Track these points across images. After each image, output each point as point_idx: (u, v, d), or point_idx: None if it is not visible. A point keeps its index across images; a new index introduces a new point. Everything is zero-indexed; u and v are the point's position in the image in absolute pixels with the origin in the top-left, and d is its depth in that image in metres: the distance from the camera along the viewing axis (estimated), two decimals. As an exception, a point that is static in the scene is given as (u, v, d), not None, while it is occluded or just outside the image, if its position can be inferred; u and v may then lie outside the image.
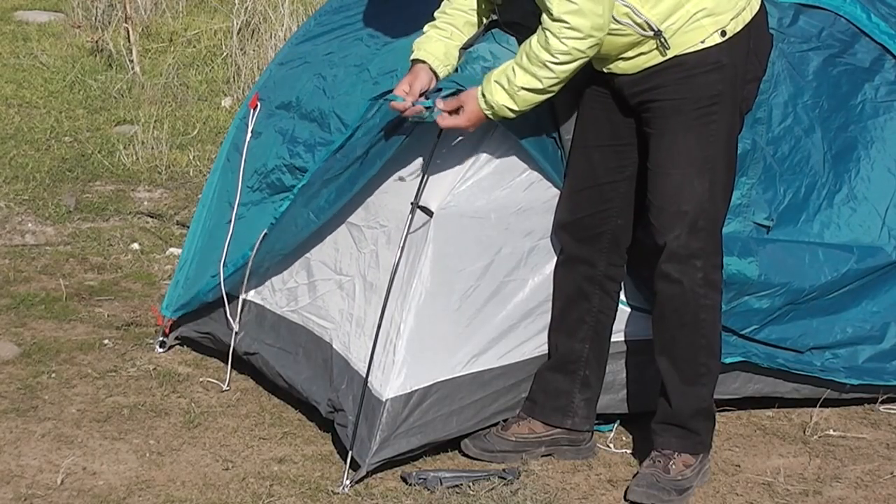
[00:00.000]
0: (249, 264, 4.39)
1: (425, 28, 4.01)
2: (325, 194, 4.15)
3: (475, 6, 4.02)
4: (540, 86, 3.75)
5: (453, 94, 3.86)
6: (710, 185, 3.88)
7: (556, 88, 3.79)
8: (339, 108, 4.28)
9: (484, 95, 3.81)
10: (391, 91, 3.93)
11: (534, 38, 3.74)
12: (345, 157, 4.09)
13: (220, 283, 4.49)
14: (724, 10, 3.80)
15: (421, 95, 3.89)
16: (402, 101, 3.85)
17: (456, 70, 3.97)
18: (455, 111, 3.85)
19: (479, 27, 4.04)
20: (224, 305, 4.51)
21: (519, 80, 3.75)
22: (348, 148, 4.11)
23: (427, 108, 3.84)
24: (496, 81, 3.79)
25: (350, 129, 4.15)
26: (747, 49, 3.89)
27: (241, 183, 4.56)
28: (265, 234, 4.33)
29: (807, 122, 4.34)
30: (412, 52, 3.97)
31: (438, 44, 3.96)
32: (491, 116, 3.83)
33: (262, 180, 4.48)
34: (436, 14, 4.03)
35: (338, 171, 4.10)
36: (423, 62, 3.94)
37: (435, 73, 3.93)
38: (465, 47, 4.00)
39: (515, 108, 3.79)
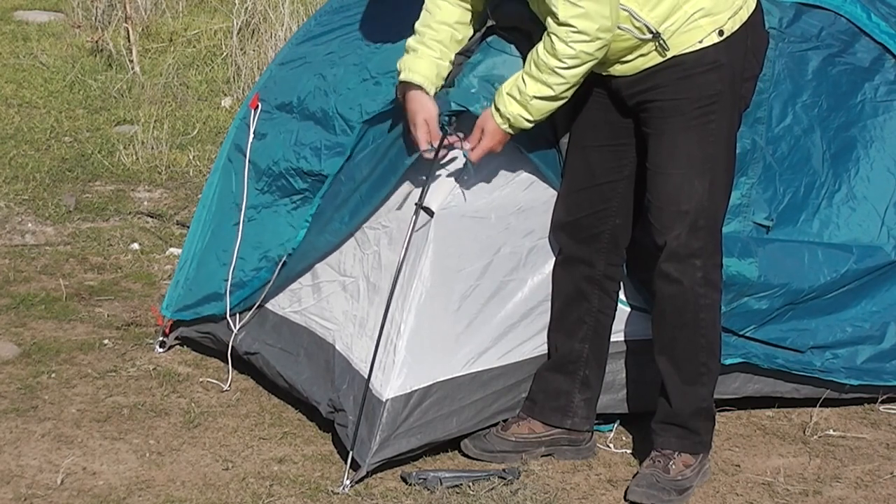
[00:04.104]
0: (267, 288, 4.39)
1: (410, 42, 3.92)
2: (338, 217, 4.19)
3: (460, 19, 3.96)
4: (552, 93, 3.74)
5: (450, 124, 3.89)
6: (710, 184, 3.88)
7: (568, 94, 3.76)
8: (342, 107, 4.28)
9: (498, 109, 3.80)
10: (386, 111, 4.01)
11: (540, 46, 3.73)
12: (350, 180, 4.12)
13: (225, 294, 4.50)
14: (721, 10, 3.80)
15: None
16: (432, 151, 3.87)
17: (452, 84, 3.95)
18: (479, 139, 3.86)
19: (474, 30, 4.01)
20: (226, 310, 4.51)
21: (530, 89, 3.74)
22: (351, 172, 4.13)
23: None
24: (508, 94, 3.78)
25: (355, 129, 4.16)
26: (745, 48, 3.89)
27: (248, 184, 4.56)
28: (284, 262, 4.33)
29: (806, 122, 4.34)
30: (399, 70, 3.91)
31: (430, 65, 3.90)
32: (508, 129, 3.81)
33: (272, 183, 4.47)
34: (418, 28, 3.94)
35: (346, 196, 4.13)
36: (419, 87, 3.87)
37: (427, 94, 3.90)
38: (462, 52, 3.98)
39: (530, 117, 3.78)
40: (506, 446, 4.16)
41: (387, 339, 3.99)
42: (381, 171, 4.05)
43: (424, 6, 3.96)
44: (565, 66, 3.69)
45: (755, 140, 4.26)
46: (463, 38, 3.97)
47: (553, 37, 3.68)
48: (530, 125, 3.81)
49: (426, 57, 3.91)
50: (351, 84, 4.31)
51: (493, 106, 3.81)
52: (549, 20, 3.69)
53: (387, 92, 4.10)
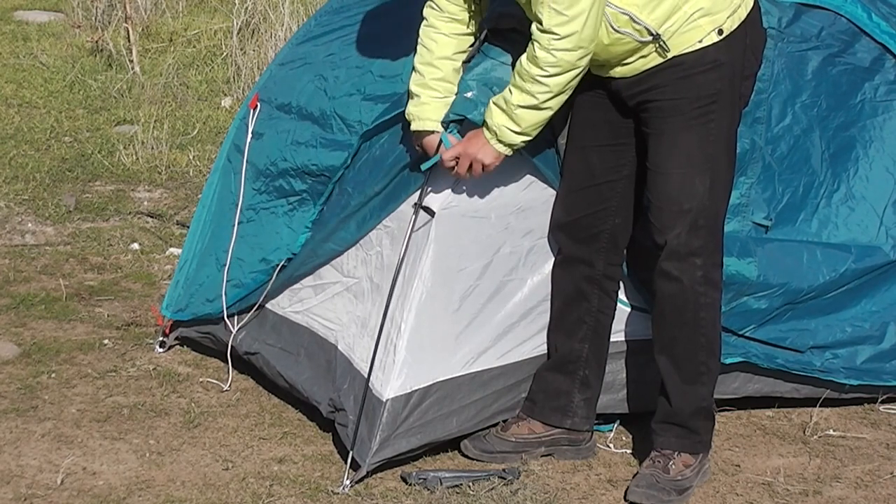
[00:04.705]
0: (267, 288, 4.39)
1: (413, 87, 3.91)
2: (344, 228, 4.17)
3: (458, 48, 3.93)
4: (535, 101, 3.72)
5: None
6: (711, 183, 3.88)
7: (553, 104, 3.75)
8: (341, 108, 4.28)
9: (486, 122, 3.79)
10: (390, 118, 4.02)
11: (524, 55, 3.72)
12: (360, 193, 4.10)
13: (222, 295, 4.50)
14: (720, 9, 3.80)
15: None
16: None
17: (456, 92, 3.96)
18: None
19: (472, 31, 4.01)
20: (223, 311, 4.51)
21: (515, 98, 3.73)
22: (361, 184, 4.12)
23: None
24: (494, 103, 3.78)
25: (353, 129, 4.16)
26: (744, 46, 3.89)
27: (245, 184, 4.56)
28: (283, 265, 4.33)
29: (805, 122, 4.34)
30: (410, 120, 3.91)
31: (438, 107, 3.90)
32: (497, 144, 3.80)
33: (269, 183, 4.47)
34: (419, 67, 3.92)
35: (355, 209, 4.13)
36: (434, 131, 3.89)
37: None
38: (465, 61, 3.98)
39: (517, 129, 3.76)
40: (506, 447, 4.16)
41: (387, 339, 3.99)
42: (393, 186, 4.04)
43: (420, 41, 3.94)
44: (547, 73, 3.68)
45: (754, 140, 4.26)
46: (472, 25, 3.97)
47: (535, 44, 3.68)
48: (520, 139, 3.79)
49: (432, 101, 3.90)
50: (351, 87, 4.31)
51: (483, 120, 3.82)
52: (534, 26, 3.69)
53: (386, 91, 4.10)
